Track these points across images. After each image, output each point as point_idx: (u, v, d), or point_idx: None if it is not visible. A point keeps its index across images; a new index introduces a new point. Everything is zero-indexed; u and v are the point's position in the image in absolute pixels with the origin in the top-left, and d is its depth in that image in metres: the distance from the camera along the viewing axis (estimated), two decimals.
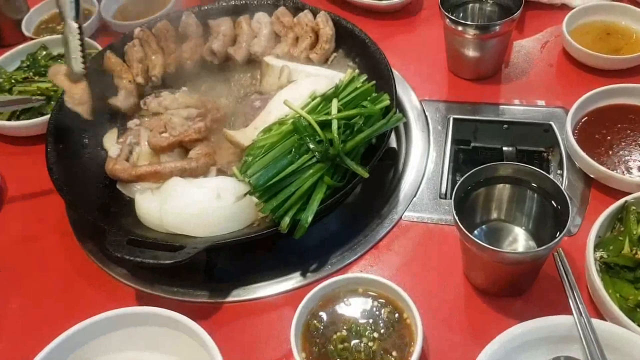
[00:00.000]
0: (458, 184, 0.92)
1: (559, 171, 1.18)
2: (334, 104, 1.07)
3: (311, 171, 1.03)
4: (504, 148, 1.28)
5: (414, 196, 1.16)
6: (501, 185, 0.96)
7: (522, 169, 0.94)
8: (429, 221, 1.12)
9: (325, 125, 1.06)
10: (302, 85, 1.20)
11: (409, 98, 1.34)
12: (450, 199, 1.13)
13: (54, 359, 0.90)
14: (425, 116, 1.31)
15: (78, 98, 1.19)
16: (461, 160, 1.33)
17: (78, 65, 1.18)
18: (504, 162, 0.93)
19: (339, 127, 1.04)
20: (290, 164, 1.03)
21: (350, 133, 1.07)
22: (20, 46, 1.59)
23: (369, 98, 1.12)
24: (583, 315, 0.86)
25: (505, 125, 1.29)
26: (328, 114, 1.07)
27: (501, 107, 1.31)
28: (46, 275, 1.15)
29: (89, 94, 1.20)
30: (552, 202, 0.92)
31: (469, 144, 1.33)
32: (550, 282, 0.98)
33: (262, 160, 1.03)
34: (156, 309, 0.93)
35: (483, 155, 1.33)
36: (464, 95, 1.35)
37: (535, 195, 0.95)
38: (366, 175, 1.05)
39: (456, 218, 0.90)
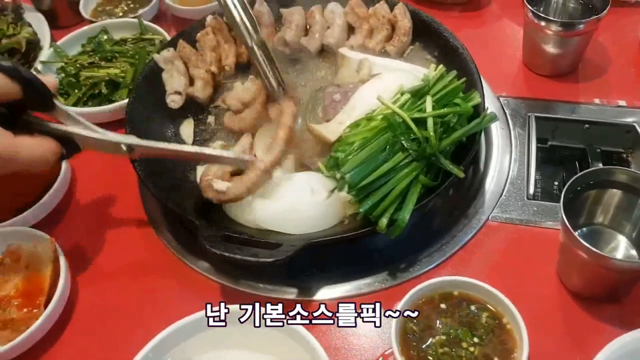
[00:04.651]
0: (568, 184, 0.91)
1: None
2: (429, 101, 1.05)
3: (406, 170, 1.01)
4: (589, 148, 1.25)
5: (500, 196, 1.14)
6: (612, 190, 0.94)
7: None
8: (517, 222, 1.10)
9: (419, 122, 1.03)
10: (387, 80, 1.16)
11: (487, 94, 1.31)
12: (539, 200, 1.12)
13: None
14: (505, 113, 1.28)
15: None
16: (539, 159, 1.30)
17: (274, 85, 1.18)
18: (621, 168, 0.92)
19: (435, 125, 1.02)
20: (385, 162, 1.01)
21: (444, 131, 1.04)
22: (80, 29, 1.56)
23: (458, 96, 1.10)
24: None
25: (586, 125, 1.26)
26: (420, 110, 1.05)
27: (581, 105, 1.29)
28: (130, 270, 1.12)
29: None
30: None
31: (546, 142, 1.30)
32: None
33: (357, 157, 1.01)
34: None
35: (560, 154, 1.30)
36: (541, 92, 1.33)
37: None
38: (462, 175, 1.02)
39: (565, 219, 0.88)
